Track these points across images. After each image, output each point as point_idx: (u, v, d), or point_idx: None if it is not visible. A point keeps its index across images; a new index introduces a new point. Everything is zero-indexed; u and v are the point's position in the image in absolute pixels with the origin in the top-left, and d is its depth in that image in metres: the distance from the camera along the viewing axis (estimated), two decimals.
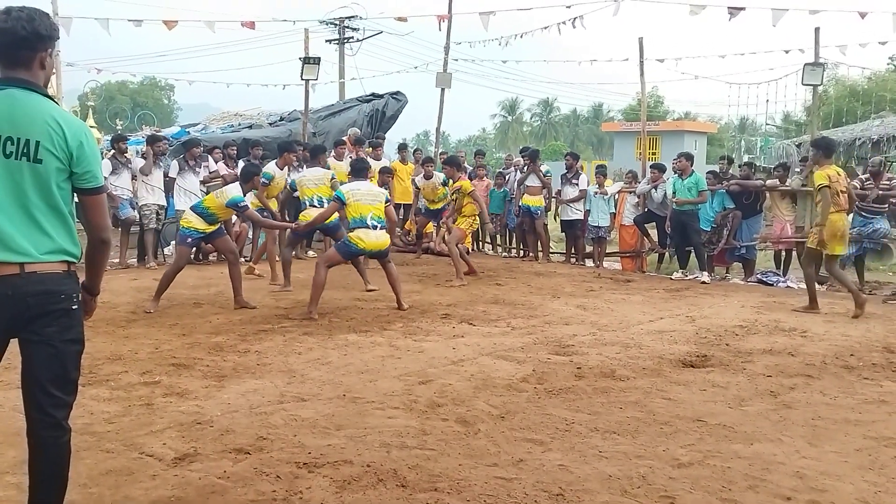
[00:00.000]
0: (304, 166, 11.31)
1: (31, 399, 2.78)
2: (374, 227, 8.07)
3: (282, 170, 10.53)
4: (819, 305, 8.80)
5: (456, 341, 6.80)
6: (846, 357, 6.47)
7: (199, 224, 8.24)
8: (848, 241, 9.24)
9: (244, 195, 8.34)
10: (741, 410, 4.94)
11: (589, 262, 13.33)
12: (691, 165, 11.70)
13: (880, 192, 10.68)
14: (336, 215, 9.02)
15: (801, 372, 5.96)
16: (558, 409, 4.88)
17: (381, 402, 4.94)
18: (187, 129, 18.26)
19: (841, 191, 8.52)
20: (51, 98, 2.82)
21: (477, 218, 11.27)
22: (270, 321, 7.55)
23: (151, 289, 8.46)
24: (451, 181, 11.21)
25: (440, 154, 15.71)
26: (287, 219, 10.90)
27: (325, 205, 9.06)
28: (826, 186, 8.38)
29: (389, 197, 9.01)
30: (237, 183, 8.51)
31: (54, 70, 3.11)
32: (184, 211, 10.77)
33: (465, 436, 4.34)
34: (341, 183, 12.47)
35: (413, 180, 13.31)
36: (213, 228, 8.35)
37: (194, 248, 9.93)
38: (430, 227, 13.58)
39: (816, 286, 9.09)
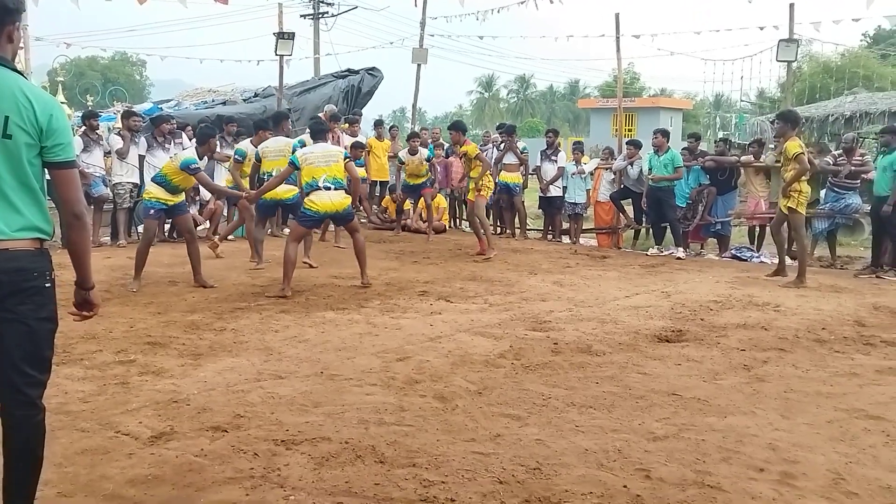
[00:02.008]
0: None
1: (4, 378, 2.75)
2: (328, 188, 7.81)
3: (256, 147, 10.40)
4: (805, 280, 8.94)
5: (433, 318, 6.81)
6: (818, 331, 6.57)
7: (161, 194, 8.11)
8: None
9: (200, 158, 8.21)
10: (715, 384, 5.00)
11: (565, 239, 13.38)
12: (667, 142, 11.75)
13: (853, 167, 10.79)
14: (295, 191, 8.96)
15: (774, 346, 6.04)
16: (535, 384, 4.91)
17: (358, 378, 4.95)
18: (160, 106, 18.02)
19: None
20: (19, 72, 2.77)
21: (491, 180, 11.17)
22: (246, 299, 7.51)
23: (126, 267, 8.38)
24: (457, 146, 11.15)
25: (422, 130, 15.66)
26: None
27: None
28: (802, 153, 8.75)
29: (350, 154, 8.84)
30: (192, 147, 8.40)
31: (22, 44, 3.03)
32: None
33: (442, 412, 4.36)
34: None
35: (398, 155, 13.27)
36: (176, 200, 8.21)
37: (161, 222, 9.78)
38: (408, 203, 13.57)
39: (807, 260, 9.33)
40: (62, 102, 15.75)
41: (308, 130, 8.93)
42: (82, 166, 10.64)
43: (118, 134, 11.63)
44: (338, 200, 7.87)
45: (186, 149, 11.89)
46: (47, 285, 2.78)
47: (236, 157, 10.30)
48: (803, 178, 8.83)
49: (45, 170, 2.80)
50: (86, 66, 62.44)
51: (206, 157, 8.50)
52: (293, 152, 8.37)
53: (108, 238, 11.68)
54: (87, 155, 11.07)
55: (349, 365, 5.28)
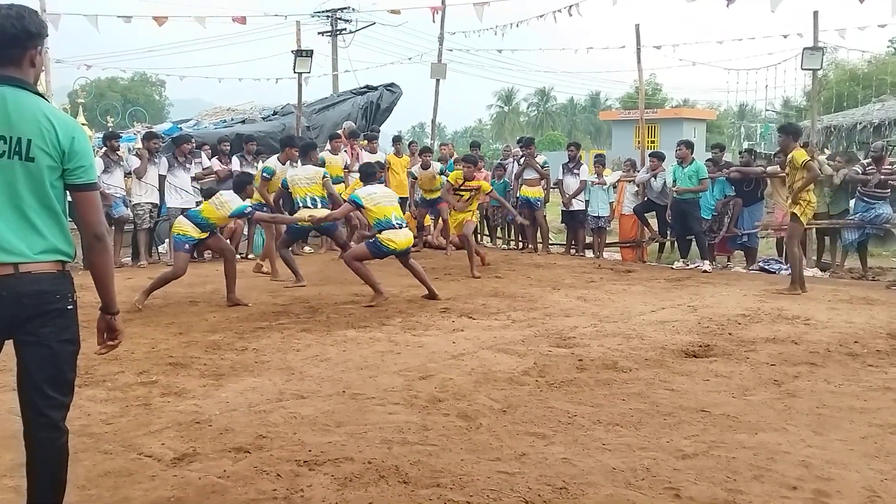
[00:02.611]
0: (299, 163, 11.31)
1: (27, 401, 2.79)
2: (400, 227, 8.34)
3: (283, 164, 10.49)
4: (804, 288, 9.10)
5: (456, 335, 6.80)
6: (850, 344, 6.49)
7: (193, 231, 8.29)
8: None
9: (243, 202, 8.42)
10: (745, 400, 4.95)
11: (589, 253, 13.34)
12: (691, 153, 11.70)
13: (882, 177, 10.68)
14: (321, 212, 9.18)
15: (805, 360, 5.97)
16: (560, 401, 4.89)
17: (381, 398, 4.95)
18: (179, 125, 18.24)
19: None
20: (41, 95, 2.82)
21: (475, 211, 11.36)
22: (268, 318, 7.55)
23: (143, 287, 8.42)
24: (462, 179, 11.29)
25: (441, 146, 15.72)
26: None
27: (318, 205, 9.25)
28: (811, 160, 8.99)
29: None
30: (231, 191, 8.56)
31: (43, 67, 3.08)
32: (177, 210, 10.81)
33: (466, 430, 4.35)
34: (335, 178, 12.57)
35: (409, 171, 13.35)
36: (205, 235, 8.41)
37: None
38: (428, 219, 13.59)
39: (813, 271, 9.28)
40: (83, 124, 15.98)
41: (360, 175, 9.37)
42: (103, 187, 10.79)
43: (135, 154, 11.80)
44: (408, 238, 8.46)
45: (206, 169, 12.02)
46: (69, 307, 2.81)
47: (264, 174, 10.41)
48: (809, 187, 9.01)
49: (67, 191, 2.84)
50: (106, 87, 63.47)
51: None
52: (322, 178, 9.35)
53: (129, 258, 11.81)
54: (108, 176, 11.21)
55: (371, 384, 5.28)
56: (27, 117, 2.70)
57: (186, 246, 8.31)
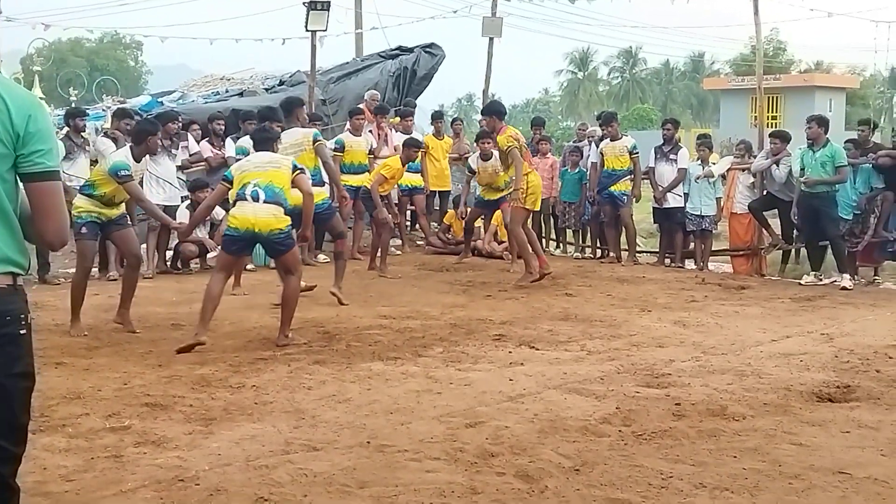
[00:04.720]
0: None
1: None
2: (256, 199, 7.53)
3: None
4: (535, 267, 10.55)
5: (513, 370, 6.79)
6: None
7: (90, 206, 8.17)
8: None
9: (137, 160, 8.30)
10: None
11: (689, 264, 13.24)
12: (825, 133, 11.54)
13: None
14: (322, 195, 9.15)
15: None
16: (651, 458, 4.86)
17: (416, 450, 4.96)
18: (160, 99, 18.54)
19: (524, 150, 10.85)
20: None
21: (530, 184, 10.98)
22: (271, 346, 7.62)
23: (116, 307, 8.57)
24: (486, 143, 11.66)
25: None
26: None
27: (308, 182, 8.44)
28: (515, 147, 10.39)
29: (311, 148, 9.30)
30: (127, 147, 8.53)
31: None
32: (157, 206, 10.95)
33: (527, 495, 4.34)
34: (358, 166, 12.64)
35: (467, 162, 13.30)
36: (111, 213, 8.27)
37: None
38: (479, 220, 13.55)
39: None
40: (40, 98, 16.36)
41: (252, 141, 8.80)
42: (64, 178, 10.94)
43: (108, 136, 11.81)
44: (261, 215, 7.52)
45: (194, 153, 12.16)
46: (22, 332, 2.83)
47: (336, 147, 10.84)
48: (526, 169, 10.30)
49: (20, 185, 2.86)
50: (68, 50, 64.83)
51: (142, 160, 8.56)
52: (314, 143, 9.40)
53: (97, 269, 11.97)
54: (70, 164, 11.24)
55: (404, 432, 5.30)
56: None
57: (83, 229, 8.16)
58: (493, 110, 11.57)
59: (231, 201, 7.75)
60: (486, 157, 12.08)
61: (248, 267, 11.45)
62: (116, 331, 8.16)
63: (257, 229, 7.47)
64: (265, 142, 8.20)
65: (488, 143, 11.84)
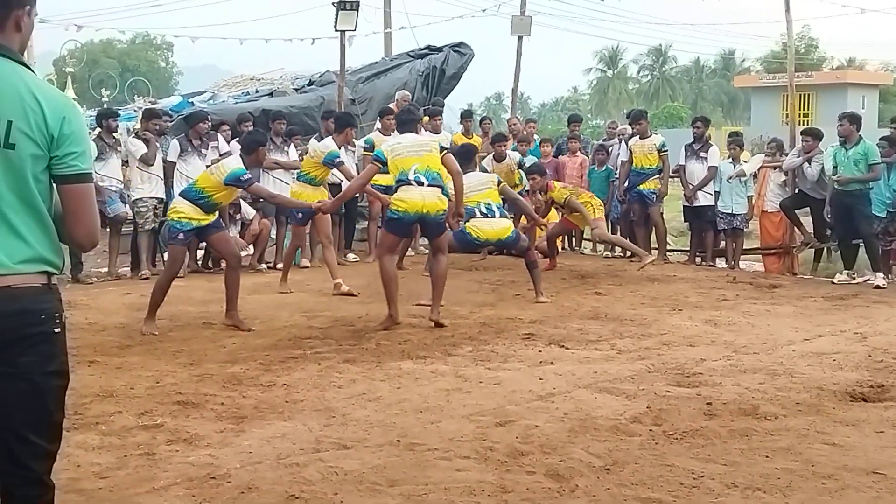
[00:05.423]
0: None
1: (3, 449, 2.82)
2: (420, 184, 8.10)
3: (340, 148, 10.71)
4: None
5: (543, 369, 6.79)
6: None
7: (192, 213, 8.27)
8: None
9: (248, 169, 8.41)
10: None
11: (720, 263, 13.17)
12: (858, 130, 11.44)
13: None
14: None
15: None
16: (682, 458, 4.84)
17: (445, 449, 4.97)
18: (190, 100, 18.66)
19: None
20: (27, 67, 2.86)
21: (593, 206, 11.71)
22: (301, 345, 7.66)
23: (147, 305, 8.63)
24: (538, 193, 11.78)
25: (527, 123, 15.72)
26: None
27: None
28: (570, 196, 11.09)
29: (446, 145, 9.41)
30: (236, 156, 8.64)
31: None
32: None
33: (558, 494, 4.34)
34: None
35: (481, 164, 13.36)
36: (209, 219, 8.41)
37: (189, 247, 10.06)
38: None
39: None
40: (73, 99, 16.49)
41: (396, 122, 9.53)
42: (96, 179, 11.01)
43: (139, 137, 11.91)
44: (429, 199, 8.12)
45: (224, 154, 12.25)
46: (56, 331, 2.86)
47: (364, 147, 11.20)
48: None
49: (53, 185, 2.88)
50: (100, 52, 65.40)
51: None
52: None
53: (128, 268, 12.07)
54: (102, 165, 11.30)
55: (433, 431, 5.30)
56: (8, 93, 2.76)
57: (180, 235, 8.32)
58: (538, 171, 11.89)
59: (393, 186, 8.32)
60: (499, 158, 12.27)
61: (279, 266, 11.51)
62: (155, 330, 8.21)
63: (426, 211, 8.10)
64: (410, 122, 8.81)
65: (503, 146, 12.58)
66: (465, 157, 10.28)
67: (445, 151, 8.49)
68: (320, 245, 12.14)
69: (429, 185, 8.10)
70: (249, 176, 8.37)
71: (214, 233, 8.53)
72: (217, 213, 8.62)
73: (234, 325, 8.30)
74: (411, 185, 8.08)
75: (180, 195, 8.69)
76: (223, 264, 12.06)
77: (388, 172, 8.56)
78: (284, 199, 10.01)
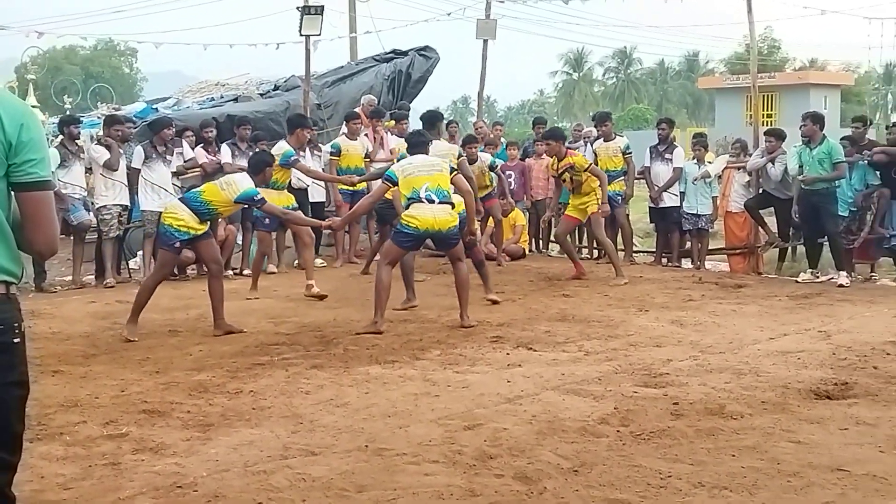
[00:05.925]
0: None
1: None
2: (431, 201, 8.36)
3: (300, 150, 10.83)
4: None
5: (511, 372, 6.79)
6: None
7: (191, 222, 8.27)
8: None
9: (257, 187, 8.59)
10: None
11: (686, 263, 13.24)
12: (821, 130, 11.52)
13: None
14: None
15: None
16: (649, 458, 4.86)
17: (414, 454, 4.96)
18: (155, 106, 18.54)
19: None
20: None
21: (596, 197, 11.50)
22: (268, 352, 7.62)
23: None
24: (555, 160, 11.63)
25: (494, 126, 15.77)
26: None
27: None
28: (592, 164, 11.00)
29: (455, 165, 9.43)
30: (244, 173, 8.84)
31: None
32: (154, 213, 10.92)
33: (526, 497, 4.34)
34: (354, 169, 12.65)
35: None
36: (204, 228, 8.47)
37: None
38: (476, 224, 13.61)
39: None
40: (34, 106, 16.36)
41: (407, 144, 9.58)
42: (58, 186, 10.91)
43: (101, 143, 11.80)
44: (442, 217, 8.39)
45: (189, 160, 12.19)
46: (16, 341, 2.85)
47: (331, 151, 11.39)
48: None
49: (10, 193, 2.87)
50: (62, 58, 64.90)
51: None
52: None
53: (92, 276, 11.97)
54: (65, 172, 11.26)
55: (402, 436, 5.30)
56: None
57: (177, 243, 8.31)
58: (558, 136, 11.93)
59: (404, 203, 8.55)
60: (472, 160, 12.23)
61: (245, 272, 11.49)
62: (113, 338, 8.16)
63: (437, 227, 8.39)
64: (420, 145, 9.05)
65: (474, 147, 12.48)
66: (430, 122, 10.31)
67: (455, 172, 8.89)
68: (288, 250, 12.18)
69: (439, 203, 8.38)
70: (262, 197, 8.57)
71: (203, 240, 8.55)
72: (209, 223, 8.69)
73: (228, 332, 8.31)
74: (422, 202, 8.33)
75: (181, 201, 8.66)
76: (188, 271, 12.12)
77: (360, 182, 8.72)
78: (297, 217, 10.10)
